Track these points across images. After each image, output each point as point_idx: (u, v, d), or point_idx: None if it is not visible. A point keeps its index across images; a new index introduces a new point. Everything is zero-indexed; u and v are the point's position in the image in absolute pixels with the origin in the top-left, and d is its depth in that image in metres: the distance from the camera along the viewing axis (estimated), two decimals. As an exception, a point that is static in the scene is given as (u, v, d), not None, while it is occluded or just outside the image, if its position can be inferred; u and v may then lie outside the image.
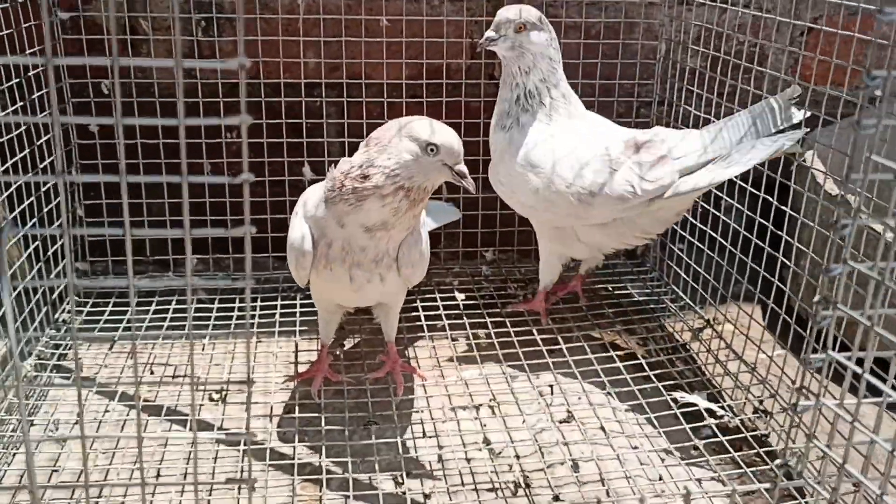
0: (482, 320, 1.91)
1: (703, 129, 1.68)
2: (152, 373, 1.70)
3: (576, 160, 1.67)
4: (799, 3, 2.02)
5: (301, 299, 1.96)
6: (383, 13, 1.95)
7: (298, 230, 1.46)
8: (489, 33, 1.70)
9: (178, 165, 1.96)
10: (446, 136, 1.36)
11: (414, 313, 1.91)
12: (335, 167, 1.44)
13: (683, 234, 1.95)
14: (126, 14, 1.89)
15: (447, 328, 1.88)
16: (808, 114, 1.55)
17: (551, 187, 1.68)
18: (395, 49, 1.98)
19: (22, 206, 1.64)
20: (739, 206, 1.75)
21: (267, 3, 1.93)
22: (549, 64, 1.72)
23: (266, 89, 1.98)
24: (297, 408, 1.59)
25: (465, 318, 1.91)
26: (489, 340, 1.83)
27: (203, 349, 1.79)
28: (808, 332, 1.37)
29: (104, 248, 2.01)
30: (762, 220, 1.61)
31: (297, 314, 1.91)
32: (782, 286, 1.59)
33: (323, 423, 1.53)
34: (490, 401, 1.62)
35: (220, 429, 1.54)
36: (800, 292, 1.63)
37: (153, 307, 1.90)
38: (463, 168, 1.39)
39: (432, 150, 1.35)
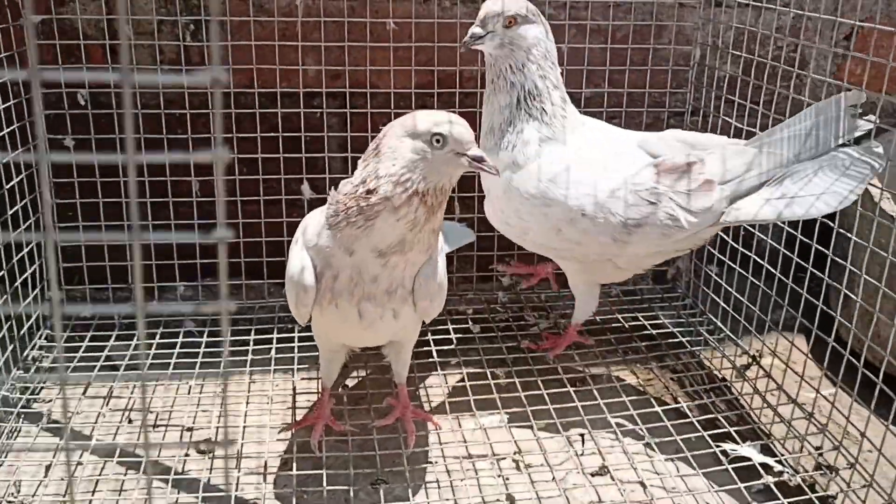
0: (501, 356, 1.72)
1: (753, 141, 1.48)
2: (130, 421, 1.51)
3: (607, 191, 1.46)
4: (844, 4, 1.83)
5: (300, 331, 1.77)
6: (390, 15, 1.77)
7: (298, 261, 1.27)
8: (474, 29, 1.48)
9: (161, 186, 1.77)
10: (451, 123, 1.19)
11: (425, 347, 1.71)
12: (335, 189, 1.25)
13: (719, 255, 1.76)
14: (105, 17, 1.71)
15: (461, 364, 1.69)
16: (877, 122, 1.37)
17: (578, 225, 1.48)
18: (404, 55, 1.79)
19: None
20: (780, 223, 1.56)
21: (262, 5, 1.74)
22: (546, 60, 1.51)
23: (261, 99, 1.79)
24: (294, 462, 1.40)
25: (481, 352, 1.72)
26: (509, 380, 1.63)
27: (189, 390, 1.59)
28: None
29: (81, 275, 1.81)
30: (804, 238, 1.44)
31: (296, 348, 1.72)
32: (831, 312, 1.40)
33: (324, 482, 1.34)
34: (514, 452, 1.44)
35: (206, 486, 1.34)
36: (853, 321, 1.44)
37: (134, 340, 1.71)
38: (478, 152, 1.20)
39: (438, 140, 1.17)
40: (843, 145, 1.39)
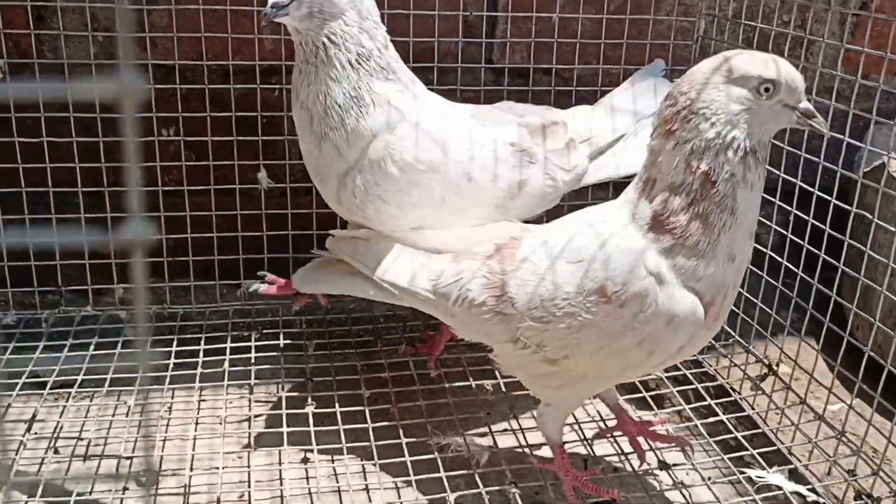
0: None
1: (597, 105, 1.48)
2: (56, 451, 1.28)
3: (490, 152, 1.30)
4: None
5: (257, 340, 1.55)
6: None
7: (687, 298, 1.03)
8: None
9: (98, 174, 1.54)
10: (785, 68, 1.00)
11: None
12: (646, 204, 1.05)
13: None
14: (26, -25, 1.47)
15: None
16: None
17: (464, 192, 1.28)
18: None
19: None
20: (798, 215, 1.40)
21: (213, -34, 1.52)
22: (368, 20, 1.23)
23: (211, 75, 1.57)
24: (251, 495, 1.19)
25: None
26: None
27: (129, 411, 1.37)
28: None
29: (1, 273, 1.57)
30: (811, 248, 1.29)
31: (253, 359, 1.51)
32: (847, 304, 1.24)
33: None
34: (508, 482, 1.24)
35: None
36: (872, 332, 1.28)
37: (65, 352, 1.48)
38: (809, 106, 1.02)
39: (768, 89, 0.99)
40: None
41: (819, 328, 1.34)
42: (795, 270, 1.40)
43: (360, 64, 1.22)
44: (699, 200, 1.00)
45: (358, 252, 1.28)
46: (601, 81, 1.69)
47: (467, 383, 1.46)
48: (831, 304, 1.32)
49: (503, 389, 1.45)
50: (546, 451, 1.28)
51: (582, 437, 1.35)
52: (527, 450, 1.33)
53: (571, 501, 1.18)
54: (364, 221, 1.30)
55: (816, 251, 1.35)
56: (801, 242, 1.39)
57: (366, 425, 1.31)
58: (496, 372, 1.43)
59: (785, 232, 1.44)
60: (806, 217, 1.38)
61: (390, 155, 1.24)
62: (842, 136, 1.29)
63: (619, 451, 1.31)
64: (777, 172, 1.45)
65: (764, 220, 1.43)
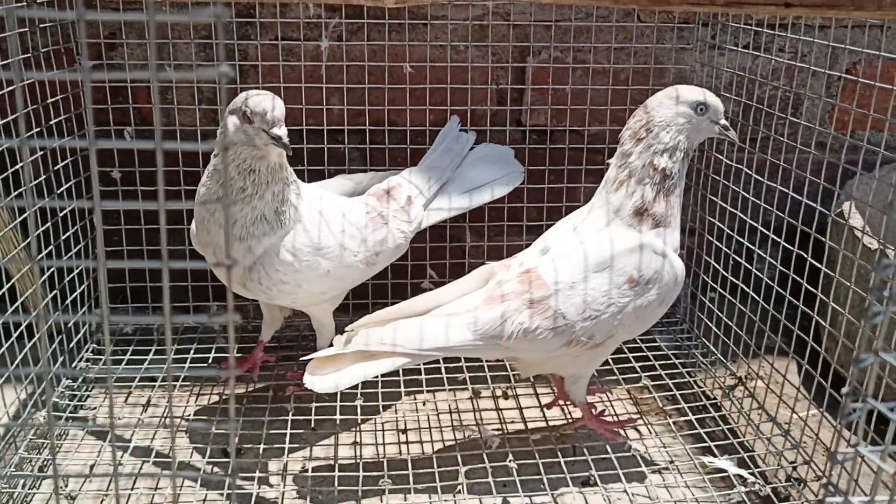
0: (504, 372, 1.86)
1: (420, 165, 1.82)
2: (164, 426, 1.67)
3: (357, 225, 1.63)
4: (836, 49, 1.95)
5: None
6: (407, 59, 1.93)
7: (678, 260, 1.48)
8: (283, 131, 1.47)
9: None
10: (712, 96, 1.47)
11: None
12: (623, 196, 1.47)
13: (714, 284, 1.88)
14: (152, 62, 1.89)
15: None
16: (475, 135, 1.87)
17: (344, 261, 1.60)
18: (419, 95, 1.96)
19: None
20: (772, 260, 1.68)
21: (291, 50, 1.92)
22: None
23: (289, 135, 1.95)
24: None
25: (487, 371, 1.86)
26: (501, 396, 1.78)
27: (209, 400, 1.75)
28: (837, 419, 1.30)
29: (124, 292, 2.00)
30: (796, 277, 1.55)
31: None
32: (816, 346, 1.52)
33: None
34: (508, 460, 1.56)
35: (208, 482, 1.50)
36: (837, 350, 1.56)
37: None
38: (726, 123, 1.49)
39: (702, 109, 1.45)
40: (471, 148, 1.86)
41: (789, 348, 1.62)
42: (763, 302, 1.69)
43: (287, 182, 1.52)
44: (661, 190, 1.43)
45: (375, 340, 1.42)
46: (608, 139, 2.02)
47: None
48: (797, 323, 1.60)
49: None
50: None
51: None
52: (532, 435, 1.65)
53: (609, 436, 1.61)
54: (264, 298, 1.62)
55: (799, 280, 1.61)
56: (772, 284, 1.68)
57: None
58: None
59: (759, 269, 1.73)
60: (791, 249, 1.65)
61: (285, 246, 1.53)
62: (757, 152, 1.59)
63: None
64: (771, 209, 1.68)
65: (763, 255, 1.73)
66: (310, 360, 1.44)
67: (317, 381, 1.40)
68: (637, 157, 1.45)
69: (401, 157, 2.00)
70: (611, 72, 1.99)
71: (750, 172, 1.71)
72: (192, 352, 1.89)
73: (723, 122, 1.47)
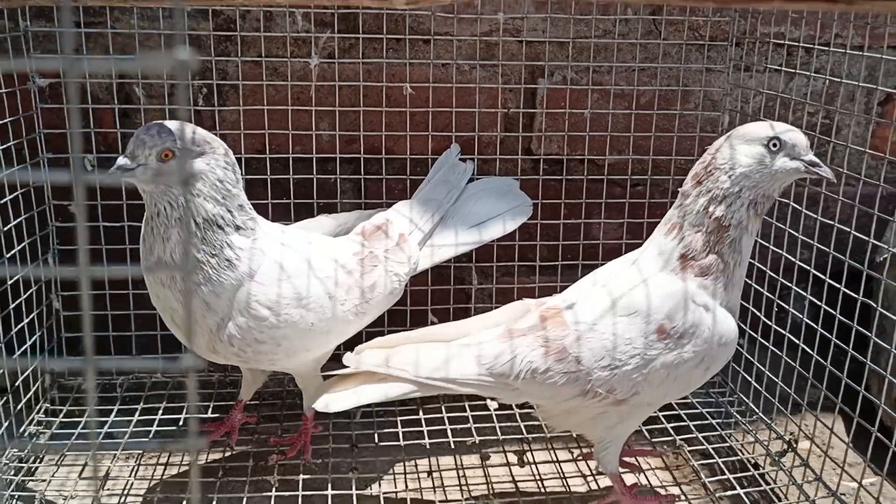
0: (518, 434, 1.63)
1: (413, 198, 1.63)
2: (127, 506, 1.43)
3: (340, 269, 1.40)
4: (875, 70, 1.76)
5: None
6: (407, 80, 1.72)
7: (728, 317, 1.27)
8: (122, 160, 1.21)
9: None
10: (784, 127, 1.24)
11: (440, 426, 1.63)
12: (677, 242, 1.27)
13: (750, 331, 1.66)
14: (115, 80, 1.67)
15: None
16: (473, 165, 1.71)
17: (327, 310, 1.37)
18: (420, 120, 1.74)
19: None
20: (814, 299, 1.48)
21: (276, 68, 1.70)
22: (219, 191, 1.27)
23: (273, 164, 1.73)
24: None
25: (498, 432, 1.63)
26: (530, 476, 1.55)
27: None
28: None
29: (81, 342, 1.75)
30: (844, 319, 1.36)
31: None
32: (874, 398, 1.31)
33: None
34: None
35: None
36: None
37: (136, 415, 1.63)
38: (814, 157, 1.24)
39: (776, 145, 1.23)
40: (471, 180, 1.69)
41: (842, 403, 1.41)
42: (810, 350, 1.48)
43: (209, 225, 1.26)
44: (716, 241, 1.24)
45: (390, 362, 1.29)
46: (631, 170, 1.81)
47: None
48: (844, 377, 1.39)
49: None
50: None
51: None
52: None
53: None
54: (241, 363, 1.40)
55: (849, 322, 1.41)
56: (815, 326, 1.47)
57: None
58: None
59: (798, 313, 1.53)
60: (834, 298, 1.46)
61: (257, 299, 1.29)
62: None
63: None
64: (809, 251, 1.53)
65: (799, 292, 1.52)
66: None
67: (324, 402, 1.30)
68: (693, 201, 1.26)
69: (398, 189, 1.78)
70: (633, 95, 1.79)
71: (787, 201, 1.53)
72: (160, 412, 1.65)
73: (808, 157, 1.23)
